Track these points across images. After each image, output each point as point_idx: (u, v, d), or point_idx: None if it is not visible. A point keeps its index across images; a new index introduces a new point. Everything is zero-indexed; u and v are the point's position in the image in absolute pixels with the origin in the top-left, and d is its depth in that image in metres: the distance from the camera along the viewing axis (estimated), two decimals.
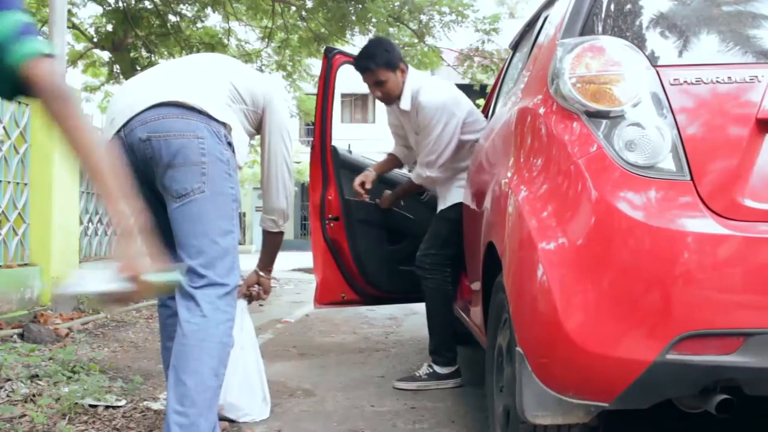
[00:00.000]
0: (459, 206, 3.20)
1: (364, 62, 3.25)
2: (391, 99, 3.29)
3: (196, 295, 1.90)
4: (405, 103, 3.24)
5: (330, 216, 3.57)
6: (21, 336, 4.17)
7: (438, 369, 3.28)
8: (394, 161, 3.71)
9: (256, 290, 2.68)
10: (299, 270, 12.41)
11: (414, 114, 3.24)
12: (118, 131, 1.96)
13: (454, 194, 3.29)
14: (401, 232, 3.74)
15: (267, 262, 2.64)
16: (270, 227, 2.49)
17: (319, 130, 3.58)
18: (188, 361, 1.83)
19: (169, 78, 2.08)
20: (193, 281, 1.91)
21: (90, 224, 5.98)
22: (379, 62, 3.18)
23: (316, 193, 3.57)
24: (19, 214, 4.87)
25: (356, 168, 3.66)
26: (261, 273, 2.64)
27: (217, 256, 1.93)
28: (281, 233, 2.55)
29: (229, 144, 2.02)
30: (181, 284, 1.90)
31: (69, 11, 7.95)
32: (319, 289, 3.65)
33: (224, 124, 2.01)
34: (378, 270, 3.65)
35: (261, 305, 6.94)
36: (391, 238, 3.74)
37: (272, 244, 2.58)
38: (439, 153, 3.22)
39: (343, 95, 24.47)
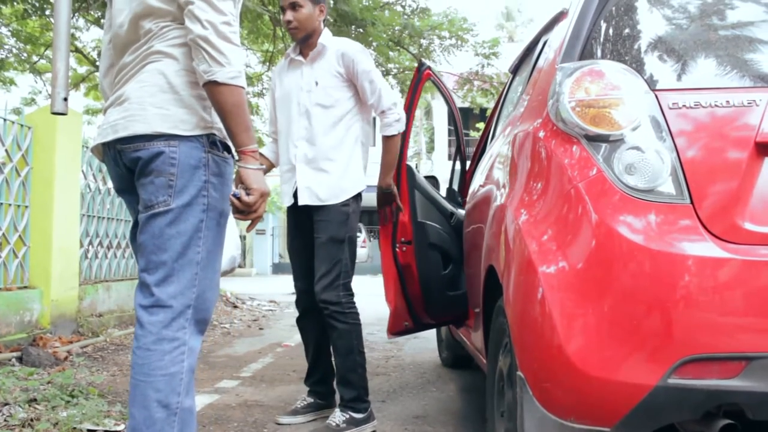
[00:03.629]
0: (352, 204, 3.06)
1: None
2: (300, 31, 3.02)
3: (143, 322, 1.82)
4: (327, 41, 3.05)
5: (403, 239, 3.31)
6: (20, 359, 4.15)
7: (356, 415, 2.98)
8: (266, 168, 3.15)
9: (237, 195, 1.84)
10: None
11: (340, 57, 3.02)
12: (104, 143, 1.92)
13: (349, 185, 3.06)
14: (450, 255, 3.51)
15: (231, 135, 1.82)
16: (203, 72, 1.74)
17: None
18: (136, 395, 1.81)
19: (134, 95, 1.84)
20: (143, 298, 1.84)
21: (90, 247, 5.97)
22: None
23: (388, 215, 3.29)
24: (20, 236, 4.87)
25: (426, 190, 3.48)
26: (240, 163, 1.83)
27: (171, 275, 1.82)
28: (232, 87, 1.73)
29: (213, 143, 1.84)
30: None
31: (72, 35, 8.03)
32: (392, 318, 3.39)
33: (207, 135, 1.85)
34: (437, 296, 3.42)
35: (261, 329, 6.94)
36: (444, 263, 3.52)
37: (219, 103, 1.76)
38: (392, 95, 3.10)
39: None
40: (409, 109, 3.31)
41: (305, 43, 3.08)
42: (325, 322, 3.05)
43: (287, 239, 3.30)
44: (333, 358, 3.11)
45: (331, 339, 3.06)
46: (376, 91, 3.04)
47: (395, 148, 3.11)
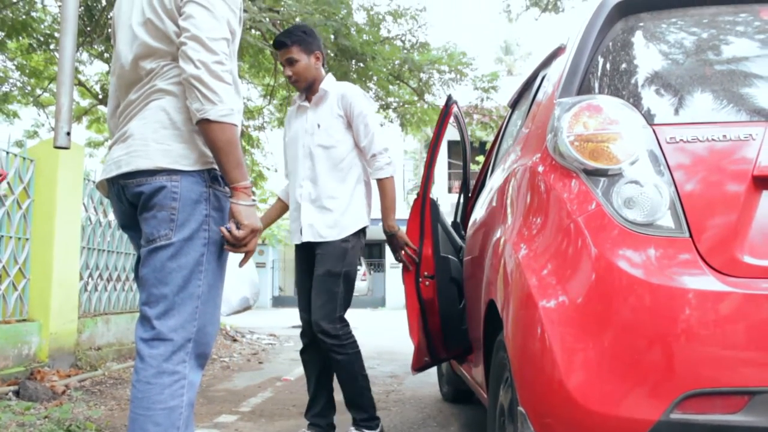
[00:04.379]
0: (353, 240, 3.14)
1: (280, 38, 3.17)
2: (301, 82, 3.19)
3: (143, 355, 1.82)
4: (329, 85, 3.19)
5: (426, 274, 3.30)
6: (17, 393, 4.12)
7: None
8: (281, 209, 3.47)
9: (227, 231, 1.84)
10: (299, 327, 12.28)
11: (339, 99, 3.16)
12: (109, 179, 1.94)
13: (351, 222, 3.16)
14: (462, 289, 3.44)
15: (224, 171, 1.83)
16: (196, 110, 1.76)
17: (424, 179, 3.33)
18: (135, 429, 1.80)
19: (137, 130, 1.88)
20: (144, 331, 1.84)
21: (90, 279, 5.95)
22: (294, 40, 3.12)
23: (407, 260, 3.31)
24: (20, 269, 4.86)
25: (446, 225, 3.49)
26: (232, 199, 1.84)
27: (172, 309, 1.83)
28: (223, 125, 1.76)
29: (215, 178, 1.88)
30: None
31: (75, 68, 8.11)
32: (416, 354, 3.38)
33: (208, 170, 1.89)
34: (455, 330, 3.37)
35: (260, 363, 6.88)
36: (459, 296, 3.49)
37: (211, 140, 1.78)
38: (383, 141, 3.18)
39: None
40: (436, 141, 3.36)
41: (309, 90, 3.23)
42: (326, 355, 3.14)
43: (295, 274, 3.42)
44: (340, 387, 3.18)
45: (334, 369, 3.16)
46: (369, 135, 3.16)
47: (390, 191, 3.18)
